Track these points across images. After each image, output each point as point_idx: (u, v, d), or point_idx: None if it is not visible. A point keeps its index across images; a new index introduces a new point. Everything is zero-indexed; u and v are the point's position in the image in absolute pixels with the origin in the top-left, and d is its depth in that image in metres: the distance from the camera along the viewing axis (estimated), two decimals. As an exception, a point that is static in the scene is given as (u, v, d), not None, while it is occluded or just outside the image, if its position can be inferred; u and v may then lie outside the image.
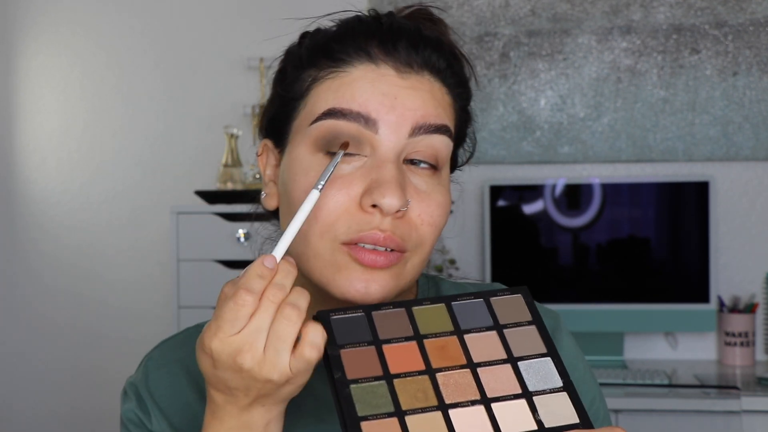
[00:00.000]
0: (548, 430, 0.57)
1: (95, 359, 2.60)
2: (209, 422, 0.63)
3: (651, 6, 2.38)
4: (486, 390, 0.59)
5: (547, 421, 0.58)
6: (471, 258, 2.41)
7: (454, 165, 0.76)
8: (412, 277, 0.69)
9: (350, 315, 0.62)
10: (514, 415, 0.58)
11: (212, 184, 2.47)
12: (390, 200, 0.63)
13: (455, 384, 0.59)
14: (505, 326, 0.63)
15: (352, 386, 0.58)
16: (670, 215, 2.26)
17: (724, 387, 1.98)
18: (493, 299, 0.65)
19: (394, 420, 0.56)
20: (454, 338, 0.62)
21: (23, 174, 2.64)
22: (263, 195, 0.75)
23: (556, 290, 2.27)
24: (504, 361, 0.61)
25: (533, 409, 0.58)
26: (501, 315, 0.64)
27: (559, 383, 0.60)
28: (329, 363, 0.59)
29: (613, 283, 2.25)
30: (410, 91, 0.66)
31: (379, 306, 0.63)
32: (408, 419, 0.57)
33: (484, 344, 0.62)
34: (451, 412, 0.58)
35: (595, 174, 2.41)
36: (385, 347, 0.61)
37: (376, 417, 0.56)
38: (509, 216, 2.29)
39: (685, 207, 2.24)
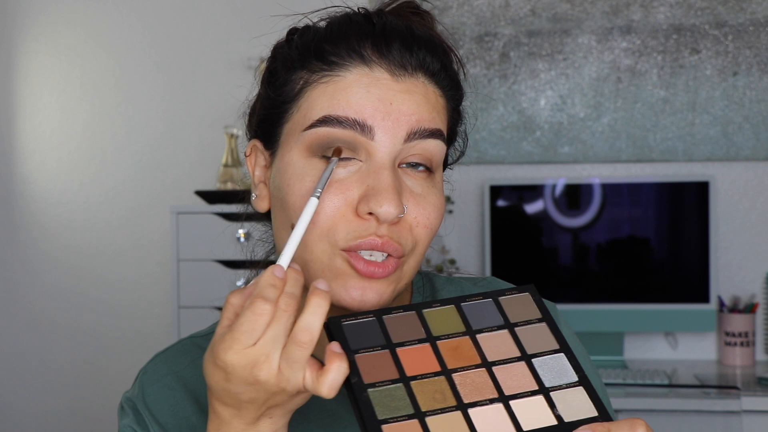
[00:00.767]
0: (568, 425, 0.58)
1: (95, 359, 2.60)
2: None
3: (651, 6, 2.38)
4: (503, 388, 0.59)
5: (567, 416, 0.58)
6: (471, 258, 2.40)
7: (446, 164, 0.76)
8: (409, 278, 0.69)
9: (362, 320, 0.62)
10: (532, 411, 0.58)
11: (212, 184, 2.47)
12: (387, 209, 0.62)
13: (472, 383, 0.59)
14: (516, 324, 0.64)
15: (370, 390, 0.58)
16: (670, 215, 2.26)
17: (724, 387, 1.98)
18: (501, 299, 0.66)
19: (415, 422, 0.57)
20: (467, 338, 0.62)
21: (23, 174, 2.64)
22: (254, 197, 0.75)
23: (556, 290, 2.27)
24: (518, 359, 0.61)
25: (551, 405, 0.59)
26: (511, 314, 0.64)
27: (575, 378, 0.61)
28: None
29: (613, 283, 2.25)
30: (405, 96, 0.65)
31: (389, 310, 0.63)
32: (429, 420, 0.57)
33: (497, 343, 0.62)
34: (471, 411, 0.58)
35: (595, 174, 2.41)
36: (399, 350, 0.61)
37: (396, 419, 0.56)
38: (509, 216, 2.29)
39: (685, 207, 2.24)
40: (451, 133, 0.73)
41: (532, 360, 0.61)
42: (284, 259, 0.60)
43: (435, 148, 0.67)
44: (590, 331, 2.22)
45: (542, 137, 2.42)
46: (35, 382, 2.64)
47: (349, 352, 0.59)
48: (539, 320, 0.64)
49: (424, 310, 0.64)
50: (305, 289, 0.66)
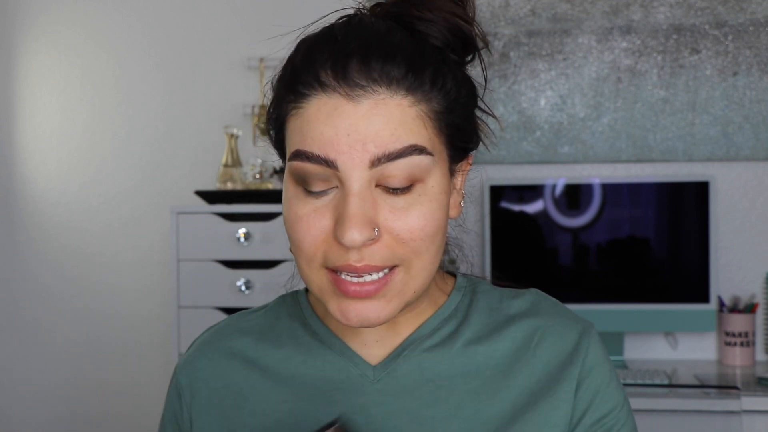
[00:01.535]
0: None
1: (94, 359, 2.60)
2: None
3: (651, 6, 2.38)
4: None
5: None
6: (471, 258, 2.40)
7: (464, 150, 0.73)
8: (420, 286, 0.69)
9: None
10: None
11: (212, 184, 2.47)
12: (349, 237, 0.63)
13: None
14: None
15: None
16: (670, 215, 2.26)
17: (724, 387, 1.98)
18: None
19: None
20: None
21: (23, 174, 2.64)
22: None
23: (556, 290, 2.26)
24: None
25: None
26: None
27: None
28: None
29: (613, 283, 2.25)
30: (364, 121, 0.63)
31: None
32: None
33: None
34: None
35: (595, 174, 2.41)
36: None
37: None
38: (509, 216, 2.29)
39: (685, 207, 2.24)
40: (452, 128, 0.69)
41: None
42: None
43: (409, 164, 0.65)
44: (590, 331, 2.22)
45: (542, 137, 2.42)
46: (35, 383, 2.64)
47: None
48: None
49: None
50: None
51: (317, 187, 0.66)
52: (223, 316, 2.12)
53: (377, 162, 0.64)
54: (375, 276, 0.66)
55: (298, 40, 0.70)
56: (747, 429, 1.91)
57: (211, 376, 0.79)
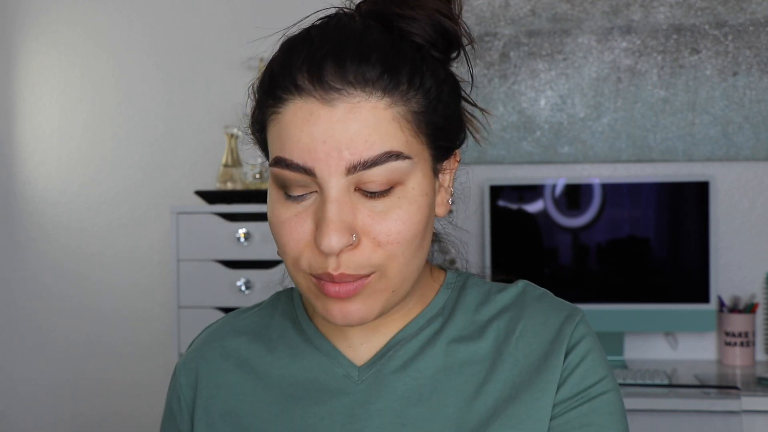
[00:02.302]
0: None
1: (94, 359, 2.60)
2: None
3: (651, 6, 2.38)
4: None
5: None
6: (471, 258, 2.40)
7: (449, 149, 0.72)
8: (401, 278, 0.69)
9: None
10: None
11: (212, 184, 2.48)
12: (327, 243, 0.64)
13: None
14: None
15: None
16: (670, 215, 2.26)
17: (724, 387, 1.98)
18: None
19: None
20: None
21: (23, 174, 2.64)
22: None
23: (556, 290, 2.26)
24: None
25: None
26: None
27: None
28: None
29: (613, 283, 2.25)
30: (340, 126, 0.63)
31: None
32: None
33: None
34: None
35: (595, 174, 2.41)
36: None
37: None
38: (509, 216, 2.29)
39: (685, 207, 2.24)
40: (433, 130, 0.68)
41: None
42: None
43: (386, 170, 0.64)
44: (590, 331, 2.22)
45: (542, 137, 2.42)
46: (35, 383, 2.64)
47: None
48: None
49: None
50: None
51: (297, 192, 0.66)
52: (222, 315, 2.12)
53: (353, 169, 0.64)
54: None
55: (281, 42, 0.70)
56: (747, 429, 1.91)
57: (209, 376, 0.81)
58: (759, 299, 2.35)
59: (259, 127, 0.70)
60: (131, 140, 2.59)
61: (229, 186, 2.27)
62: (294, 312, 0.82)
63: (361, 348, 0.77)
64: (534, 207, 2.28)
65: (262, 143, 0.72)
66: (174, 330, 2.15)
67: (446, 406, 0.73)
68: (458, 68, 0.74)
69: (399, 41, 0.67)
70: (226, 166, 2.28)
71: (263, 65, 0.73)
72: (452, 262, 0.88)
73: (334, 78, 0.63)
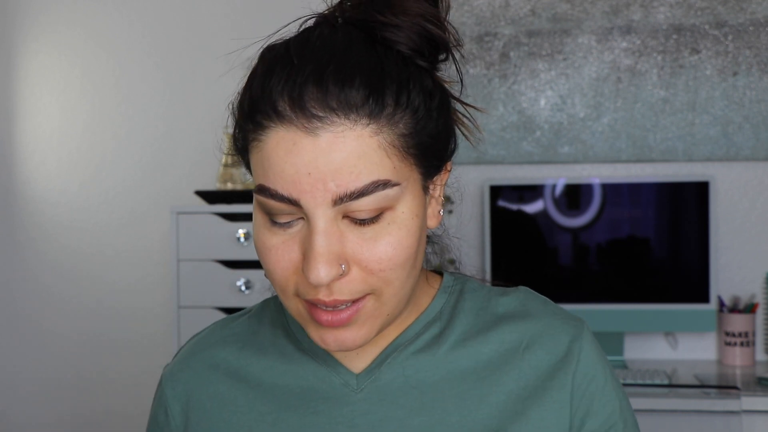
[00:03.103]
0: None
1: (95, 359, 2.60)
2: None
3: (651, 6, 2.38)
4: None
5: None
6: (471, 258, 2.41)
7: (438, 167, 0.69)
8: (396, 302, 0.67)
9: None
10: None
11: (212, 184, 2.48)
12: (315, 276, 0.61)
13: None
14: None
15: None
16: (670, 215, 2.25)
17: (724, 387, 1.97)
18: None
19: None
20: None
21: (23, 174, 2.64)
22: None
23: (556, 290, 2.27)
24: None
25: None
26: None
27: None
28: None
29: (613, 283, 2.25)
30: (324, 158, 0.60)
31: None
32: None
33: None
34: None
35: (595, 174, 2.41)
36: None
37: None
38: (509, 216, 2.29)
39: (685, 207, 2.24)
40: (421, 150, 0.65)
41: None
42: None
43: (374, 199, 0.62)
44: (590, 331, 2.22)
45: (542, 137, 2.42)
46: (34, 384, 2.64)
47: None
48: None
49: None
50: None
51: (283, 219, 0.64)
52: (223, 316, 2.12)
53: (340, 200, 0.61)
54: (345, 305, 0.65)
55: (260, 52, 0.67)
56: (747, 429, 1.91)
57: (197, 387, 0.78)
58: (759, 299, 2.35)
59: (242, 149, 0.68)
60: (131, 140, 2.59)
61: (229, 186, 2.27)
62: (284, 320, 0.79)
63: (357, 357, 0.75)
64: (534, 207, 2.28)
65: (246, 163, 0.69)
66: (174, 330, 2.15)
67: (449, 415, 0.72)
68: (447, 69, 0.72)
69: (383, 55, 0.64)
70: (226, 166, 2.28)
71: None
72: (451, 261, 0.87)
73: (316, 105, 0.60)
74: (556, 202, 2.26)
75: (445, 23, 0.68)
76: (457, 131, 0.74)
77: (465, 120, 0.75)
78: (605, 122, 2.40)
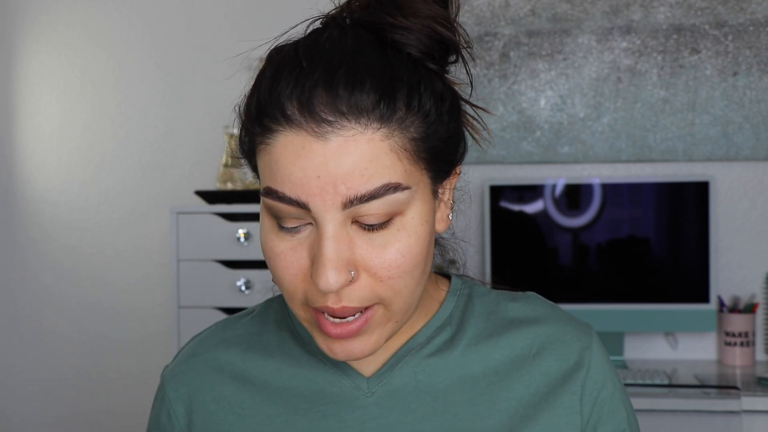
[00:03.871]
0: None
1: (95, 359, 2.60)
2: None
3: (651, 6, 2.38)
4: None
5: None
6: (471, 258, 2.41)
7: (448, 171, 0.69)
8: (405, 311, 0.66)
9: None
10: None
11: (212, 184, 2.48)
12: (324, 283, 0.60)
13: None
14: None
15: None
16: (670, 215, 2.26)
17: (724, 387, 1.97)
18: None
19: None
20: None
21: (23, 174, 2.64)
22: None
23: (556, 290, 2.27)
24: None
25: None
26: None
27: None
28: None
29: (613, 283, 2.25)
30: (335, 161, 0.59)
31: None
32: None
33: None
34: None
35: (595, 174, 2.41)
36: None
37: None
38: (509, 216, 2.29)
39: (685, 207, 2.24)
40: (432, 155, 0.64)
41: None
42: None
43: (385, 203, 0.61)
44: (590, 331, 2.22)
45: (542, 137, 2.42)
46: (34, 384, 2.64)
47: None
48: None
49: None
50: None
51: (291, 224, 0.63)
52: (223, 316, 2.12)
53: (350, 204, 0.60)
54: (354, 315, 0.64)
55: (268, 53, 0.66)
56: (747, 429, 1.91)
57: (200, 389, 0.77)
58: (759, 299, 2.35)
59: (248, 151, 0.67)
60: (131, 140, 2.59)
61: (229, 186, 2.27)
62: (290, 321, 0.78)
63: (367, 360, 0.74)
64: (534, 207, 2.28)
65: (253, 166, 0.68)
66: (174, 330, 2.14)
67: (460, 420, 0.71)
68: (457, 68, 0.71)
69: (393, 58, 0.62)
70: (226, 166, 2.28)
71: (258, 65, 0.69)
72: (452, 262, 0.86)
73: (325, 109, 0.59)
74: (556, 202, 2.26)
75: (455, 25, 0.67)
76: (466, 133, 0.73)
77: (473, 122, 0.74)
78: (605, 122, 2.40)
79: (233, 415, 0.75)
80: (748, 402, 1.91)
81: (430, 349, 0.74)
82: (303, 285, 0.64)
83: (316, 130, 0.59)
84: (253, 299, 2.12)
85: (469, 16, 2.43)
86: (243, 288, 2.12)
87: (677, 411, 1.92)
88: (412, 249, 0.63)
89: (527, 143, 2.42)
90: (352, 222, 0.62)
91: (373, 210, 0.61)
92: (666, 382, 2.01)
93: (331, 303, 0.62)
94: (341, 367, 0.74)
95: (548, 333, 0.75)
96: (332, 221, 0.61)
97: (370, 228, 0.62)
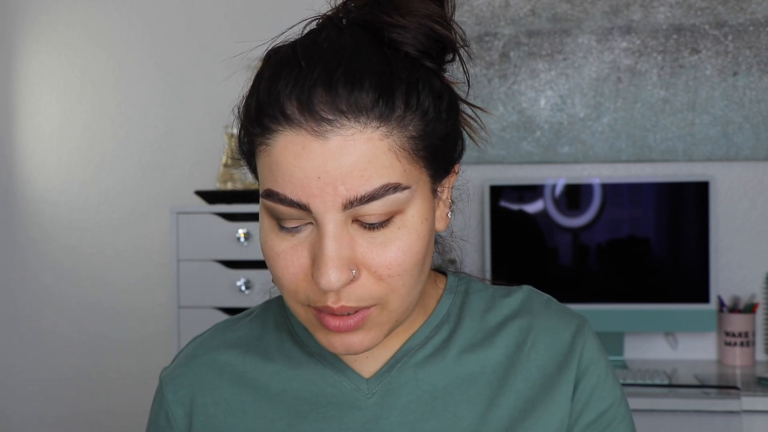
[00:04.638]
0: None
1: (95, 359, 2.60)
2: None
3: (651, 6, 2.38)
4: None
5: None
6: (471, 258, 2.41)
7: (447, 169, 0.69)
8: (403, 310, 0.67)
9: None
10: None
11: (212, 184, 2.48)
12: (326, 282, 0.61)
13: None
14: None
15: None
16: (670, 215, 2.26)
17: (724, 387, 1.98)
18: None
19: None
20: None
21: (23, 174, 2.64)
22: None
23: (556, 290, 2.26)
24: None
25: None
26: None
27: None
28: None
29: (613, 283, 2.25)
30: (334, 161, 0.59)
31: None
32: None
33: None
34: None
35: (595, 174, 2.41)
36: None
37: None
38: (509, 216, 2.29)
39: (685, 207, 2.24)
40: (431, 153, 0.65)
41: None
42: None
43: (384, 204, 0.61)
44: (590, 331, 2.22)
45: (542, 137, 2.42)
46: (34, 383, 2.64)
47: None
48: None
49: None
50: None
51: (292, 224, 0.63)
52: (223, 316, 2.12)
53: (350, 204, 0.61)
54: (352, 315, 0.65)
55: (265, 54, 0.66)
56: (747, 429, 1.91)
57: (200, 392, 0.77)
58: (759, 299, 2.35)
59: (247, 152, 0.67)
60: (131, 140, 2.59)
61: (229, 186, 2.27)
62: (289, 323, 0.79)
63: (366, 361, 0.74)
64: (534, 207, 2.28)
65: (252, 168, 0.69)
66: (174, 330, 2.15)
67: (460, 419, 0.72)
68: (456, 69, 0.72)
69: (392, 58, 0.63)
70: (226, 166, 2.28)
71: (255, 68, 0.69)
72: (452, 261, 0.87)
73: (325, 108, 0.59)
74: (556, 202, 2.26)
75: (452, 23, 0.68)
76: (464, 133, 0.73)
77: (471, 121, 0.74)
78: (605, 122, 2.40)
79: (234, 418, 0.75)
80: (748, 402, 1.91)
81: (429, 349, 0.74)
82: (303, 284, 0.64)
83: (315, 129, 0.60)
84: (253, 299, 2.12)
85: (469, 16, 2.43)
86: (243, 288, 2.12)
87: (677, 411, 1.92)
88: (412, 247, 0.64)
89: (527, 143, 2.42)
90: (353, 221, 0.62)
91: (374, 210, 0.61)
92: (666, 382, 2.01)
93: (331, 302, 0.63)
94: (341, 368, 0.74)
95: (542, 326, 0.76)
96: (333, 221, 0.61)
97: (371, 227, 0.62)
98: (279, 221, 0.64)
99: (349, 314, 0.64)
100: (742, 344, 2.24)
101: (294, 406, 0.74)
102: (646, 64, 2.38)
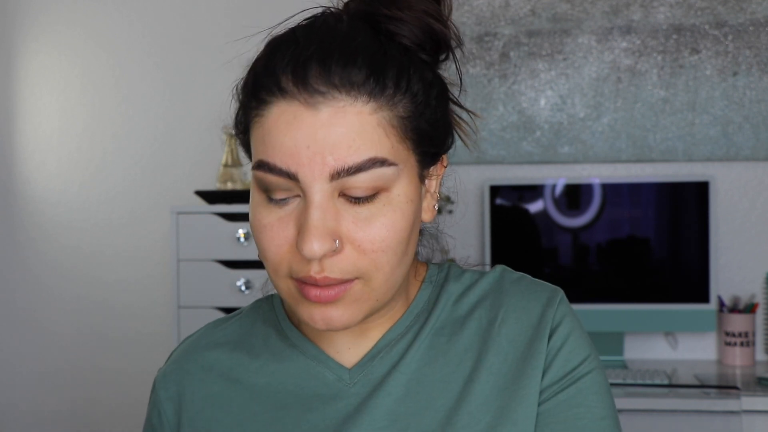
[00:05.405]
0: None
1: (95, 359, 2.60)
2: None
3: (651, 6, 2.38)
4: None
5: None
6: (471, 258, 2.40)
7: (435, 155, 0.71)
8: (386, 289, 0.68)
9: None
10: None
11: (212, 184, 2.48)
12: (309, 249, 0.63)
13: None
14: None
15: None
16: (670, 215, 2.26)
17: (724, 387, 1.98)
18: None
19: None
20: None
21: (23, 174, 2.64)
22: None
23: (556, 290, 2.26)
24: None
25: None
26: None
27: None
28: None
29: (613, 283, 2.25)
30: (324, 131, 0.62)
31: None
32: None
33: None
34: None
35: (595, 174, 2.41)
36: None
37: None
38: (509, 216, 2.29)
39: (685, 207, 2.24)
40: (419, 136, 0.67)
41: None
42: None
43: (370, 177, 0.63)
44: (590, 331, 2.22)
45: (542, 137, 2.42)
46: (34, 383, 2.64)
47: None
48: None
49: None
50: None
51: (279, 195, 0.65)
52: (222, 315, 2.12)
53: (337, 175, 0.63)
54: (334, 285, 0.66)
55: (265, 41, 0.69)
56: (747, 429, 1.91)
57: (189, 388, 0.79)
58: (759, 299, 2.35)
59: (243, 129, 0.69)
60: (131, 140, 2.59)
61: (229, 186, 2.27)
62: (276, 318, 0.80)
63: (348, 352, 0.76)
64: (534, 207, 2.28)
65: (246, 145, 0.71)
66: (174, 330, 2.15)
67: (435, 399, 0.73)
68: (448, 70, 0.73)
69: (386, 43, 0.66)
70: (226, 166, 2.28)
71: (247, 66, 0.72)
72: (445, 252, 0.87)
73: (318, 81, 0.62)
74: (556, 202, 2.26)
75: (448, 21, 0.70)
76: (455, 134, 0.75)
77: (462, 123, 0.76)
78: (605, 122, 2.40)
79: (221, 412, 0.77)
80: (748, 402, 1.91)
81: (409, 337, 0.76)
82: (288, 256, 0.66)
83: (308, 100, 0.62)
84: (253, 299, 2.11)
85: (469, 16, 2.43)
86: (243, 288, 2.12)
87: (677, 411, 1.92)
88: (396, 224, 0.66)
89: (527, 143, 2.42)
90: (339, 195, 0.64)
91: (360, 183, 0.63)
92: (666, 382, 2.01)
93: (314, 272, 0.64)
94: (322, 360, 0.76)
95: (512, 301, 0.77)
96: (319, 191, 0.63)
97: (357, 201, 0.64)
98: (268, 193, 0.66)
99: (330, 285, 0.65)
100: (742, 344, 2.24)
101: (278, 399, 0.75)
102: (646, 64, 2.38)
